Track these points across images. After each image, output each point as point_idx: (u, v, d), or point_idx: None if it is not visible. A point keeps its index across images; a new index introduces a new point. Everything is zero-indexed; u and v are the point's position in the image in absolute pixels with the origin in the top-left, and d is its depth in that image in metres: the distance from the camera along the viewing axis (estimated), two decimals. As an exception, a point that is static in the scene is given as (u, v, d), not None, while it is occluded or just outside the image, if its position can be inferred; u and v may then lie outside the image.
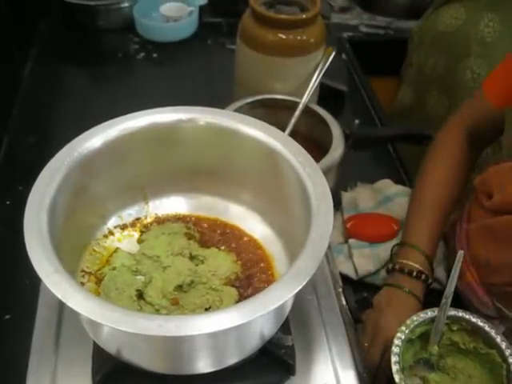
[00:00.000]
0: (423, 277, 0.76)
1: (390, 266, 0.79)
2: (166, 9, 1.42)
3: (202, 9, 1.44)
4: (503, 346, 0.65)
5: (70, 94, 1.24)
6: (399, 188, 0.96)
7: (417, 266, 0.77)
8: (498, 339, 0.66)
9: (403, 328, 0.67)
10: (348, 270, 0.86)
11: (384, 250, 0.87)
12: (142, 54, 1.37)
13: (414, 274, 0.76)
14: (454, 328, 0.69)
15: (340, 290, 0.74)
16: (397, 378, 0.63)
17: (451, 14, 1.21)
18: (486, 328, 0.66)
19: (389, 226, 0.90)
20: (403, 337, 0.66)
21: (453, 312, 0.68)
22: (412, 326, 0.67)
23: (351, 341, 0.68)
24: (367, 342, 0.74)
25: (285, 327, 0.64)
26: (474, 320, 0.67)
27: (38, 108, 1.19)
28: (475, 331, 0.67)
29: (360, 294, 0.83)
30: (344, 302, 0.73)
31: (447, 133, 0.87)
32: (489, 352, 0.67)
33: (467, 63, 1.19)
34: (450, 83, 1.23)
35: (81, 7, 1.38)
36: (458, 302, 0.81)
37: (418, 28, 1.37)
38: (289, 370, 0.63)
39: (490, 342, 0.66)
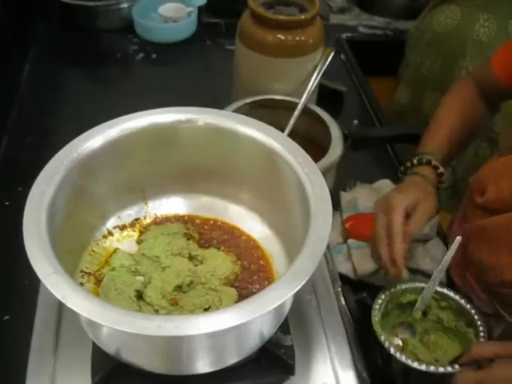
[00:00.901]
0: (438, 169, 0.78)
1: (408, 163, 0.81)
2: (165, 9, 1.42)
3: (200, 9, 1.44)
4: (478, 323, 0.69)
5: (69, 94, 1.24)
6: (398, 188, 0.96)
7: (433, 159, 0.79)
8: (476, 317, 0.70)
9: (387, 291, 0.73)
10: (347, 270, 0.86)
11: (383, 249, 0.87)
12: (141, 55, 1.38)
13: (432, 163, 0.78)
14: (443, 304, 0.73)
15: (339, 289, 0.74)
16: (374, 319, 0.69)
17: (447, 15, 1.22)
18: (468, 307, 0.71)
19: (388, 226, 0.90)
20: (387, 292, 0.72)
21: (444, 290, 0.72)
22: (400, 289, 0.73)
23: (350, 340, 0.68)
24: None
25: (284, 327, 0.64)
26: (457, 299, 0.72)
27: (36, 109, 1.19)
28: (460, 311, 0.72)
29: (359, 294, 0.83)
30: (343, 302, 0.73)
31: (461, 83, 0.89)
32: (467, 331, 0.71)
33: (463, 63, 1.19)
34: (447, 83, 1.23)
35: (79, 8, 1.38)
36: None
37: (415, 28, 1.37)
38: (288, 369, 0.63)
39: (470, 322, 0.71)
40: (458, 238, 0.70)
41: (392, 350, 0.66)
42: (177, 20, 1.41)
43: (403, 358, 0.65)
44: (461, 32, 1.19)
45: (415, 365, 0.65)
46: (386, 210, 0.73)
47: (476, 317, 0.70)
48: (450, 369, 0.64)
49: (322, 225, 0.56)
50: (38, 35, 1.41)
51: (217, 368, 0.58)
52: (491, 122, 1.16)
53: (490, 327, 0.77)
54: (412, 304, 0.73)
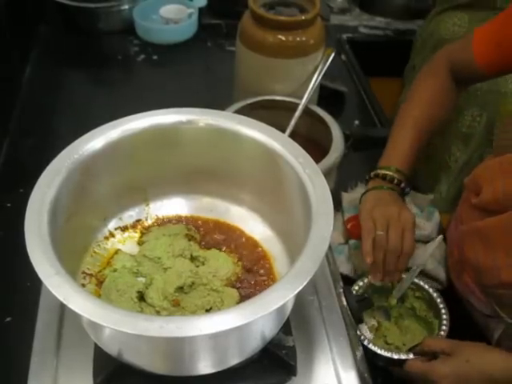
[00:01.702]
0: (396, 181, 0.84)
1: (367, 176, 0.87)
2: (166, 11, 1.43)
3: (201, 11, 1.44)
4: (444, 317, 0.76)
5: (70, 96, 1.24)
6: (399, 188, 0.96)
7: (391, 173, 0.84)
8: (443, 311, 0.77)
9: (365, 278, 0.80)
10: (348, 271, 0.86)
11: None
12: (142, 56, 1.38)
13: (388, 178, 0.84)
14: (417, 294, 0.81)
15: (341, 290, 0.74)
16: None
17: (455, 22, 1.21)
18: (438, 301, 0.78)
19: (389, 226, 0.90)
20: (361, 283, 0.80)
21: (420, 282, 0.80)
22: None
23: (352, 341, 0.68)
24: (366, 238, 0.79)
25: (286, 328, 0.64)
26: (431, 292, 0.79)
27: (38, 110, 1.19)
28: (431, 302, 0.79)
29: (361, 294, 0.83)
30: (345, 303, 0.73)
31: (435, 62, 0.90)
32: (433, 321, 0.78)
33: None
34: None
35: (81, 10, 1.39)
36: (459, 301, 0.81)
37: (422, 30, 1.36)
38: (290, 370, 0.63)
39: (437, 314, 0.78)
40: (440, 236, 0.79)
41: (362, 337, 0.73)
42: (177, 21, 1.41)
43: (365, 342, 0.73)
44: None
45: (379, 351, 0.73)
46: (403, 224, 0.78)
47: (443, 311, 0.77)
48: (403, 356, 0.72)
49: (324, 225, 0.56)
50: (39, 37, 1.41)
51: (219, 369, 0.58)
52: (494, 128, 1.16)
53: (491, 329, 0.77)
54: (389, 289, 0.81)
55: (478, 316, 0.80)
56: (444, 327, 0.76)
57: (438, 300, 0.78)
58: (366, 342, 0.74)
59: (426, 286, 0.80)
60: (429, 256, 0.79)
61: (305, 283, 0.51)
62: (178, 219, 0.74)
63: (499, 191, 0.69)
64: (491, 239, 0.70)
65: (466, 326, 0.80)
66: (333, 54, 0.99)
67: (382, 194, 0.83)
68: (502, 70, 0.81)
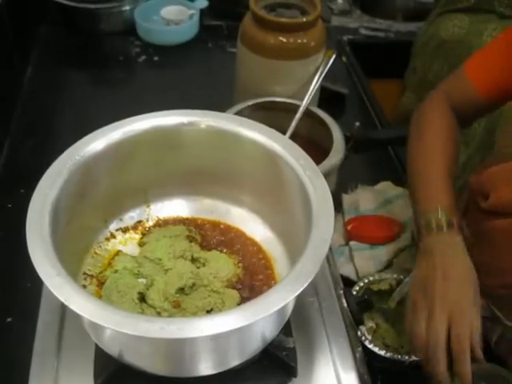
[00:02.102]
0: (455, 223, 0.70)
1: (415, 229, 0.74)
2: (167, 12, 1.43)
3: (202, 12, 1.45)
4: None
5: (71, 97, 1.24)
6: (400, 190, 0.97)
7: (444, 218, 0.70)
8: None
9: (365, 279, 0.82)
10: (349, 272, 0.86)
11: (385, 252, 0.87)
12: (143, 58, 1.38)
13: (445, 226, 0.69)
14: None
15: (341, 291, 0.74)
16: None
17: (455, 23, 1.22)
18: None
19: (389, 227, 0.91)
20: (361, 284, 0.81)
21: None
22: (379, 278, 0.82)
23: (352, 342, 0.68)
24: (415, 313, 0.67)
25: (286, 329, 0.64)
26: None
27: (39, 111, 1.19)
28: None
29: (361, 296, 0.83)
30: (345, 304, 0.73)
31: (433, 102, 0.83)
32: None
33: None
34: None
35: (82, 11, 1.39)
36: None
37: (422, 32, 1.37)
38: (290, 372, 0.63)
39: None
40: None
41: (363, 338, 0.75)
42: (179, 22, 1.41)
43: (366, 343, 0.74)
44: (468, 41, 1.18)
45: (381, 352, 0.74)
46: (460, 316, 0.64)
47: None
48: (405, 357, 0.73)
49: (324, 227, 0.56)
50: (40, 38, 1.41)
51: (219, 370, 0.59)
52: (495, 130, 1.16)
53: (489, 331, 0.77)
54: (388, 292, 0.81)
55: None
56: None
57: None
58: (367, 343, 0.74)
59: None
60: None
61: (305, 285, 0.51)
62: (179, 220, 0.74)
63: (504, 199, 0.70)
64: (498, 241, 0.70)
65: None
66: (334, 56, 0.99)
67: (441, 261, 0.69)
68: (499, 92, 0.76)
